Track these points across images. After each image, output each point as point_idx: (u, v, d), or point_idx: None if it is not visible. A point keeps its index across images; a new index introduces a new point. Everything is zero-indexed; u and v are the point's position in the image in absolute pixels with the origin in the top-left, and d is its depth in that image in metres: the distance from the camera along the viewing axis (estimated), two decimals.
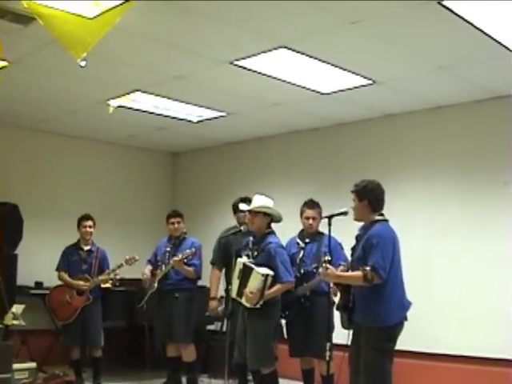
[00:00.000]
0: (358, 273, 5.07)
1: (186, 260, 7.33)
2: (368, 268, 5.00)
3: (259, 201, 6.42)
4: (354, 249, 5.43)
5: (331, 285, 5.78)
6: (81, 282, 7.90)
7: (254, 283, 6.11)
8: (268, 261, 6.21)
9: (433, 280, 7.64)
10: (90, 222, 8.10)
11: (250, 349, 6.20)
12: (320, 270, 5.32)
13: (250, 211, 6.43)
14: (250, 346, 6.21)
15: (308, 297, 6.64)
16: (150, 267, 7.78)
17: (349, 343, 5.38)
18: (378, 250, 5.08)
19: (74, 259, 8.09)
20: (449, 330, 7.43)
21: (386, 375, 5.14)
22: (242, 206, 6.69)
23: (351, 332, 5.39)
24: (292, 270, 6.40)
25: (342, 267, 5.38)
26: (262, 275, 6.07)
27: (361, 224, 5.44)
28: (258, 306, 6.12)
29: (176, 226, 7.73)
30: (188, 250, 7.34)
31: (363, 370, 5.14)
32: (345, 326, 5.40)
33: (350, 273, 5.25)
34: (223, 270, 7.36)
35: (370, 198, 5.29)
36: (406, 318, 5.22)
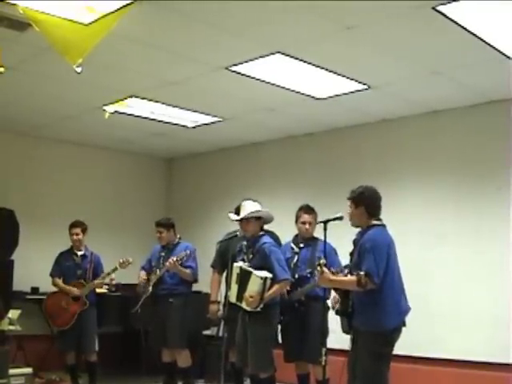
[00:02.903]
0: (352, 278, 5.07)
1: (181, 262, 7.33)
2: (362, 273, 4.99)
3: (248, 207, 6.47)
4: (351, 254, 5.43)
5: (332, 293, 5.75)
6: (74, 289, 7.87)
7: (253, 287, 6.13)
8: (263, 261, 6.24)
9: (429, 285, 7.63)
10: (77, 230, 8.03)
11: (250, 353, 6.22)
12: (315, 273, 5.30)
13: (241, 220, 6.48)
14: (249, 350, 6.23)
15: (302, 302, 6.63)
16: (144, 272, 7.79)
17: (348, 348, 5.38)
18: (372, 255, 5.05)
19: (67, 264, 8.05)
20: (446, 334, 7.42)
21: (383, 380, 5.12)
22: (232, 217, 6.73)
23: (351, 337, 5.39)
24: (288, 269, 6.41)
25: (332, 270, 5.37)
26: (261, 278, 6.08)
27: (358, 229, 5.44)
28: (259, 309, 6.14)
29: (158, 235, 7.74)
30: (183, 252, 7.34)
31: (360, 374, 5.12)
32: (345, 330, 5.40)
33: (343, 277, 5.24)
34: (224, 274, 7.35)
35: (366, 204, 5.27)
36: (404, 324, 5.21)
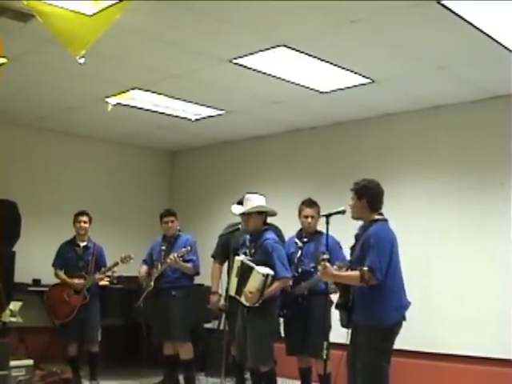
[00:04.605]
0: (356, 273, 5.05)
1: (182, 257, 7.32)
2: (365, 268, 4.98)
3: (251, 202, 6.46)
4: (353, 248, 5.41)
5: (330, 284, 5.73)
6: (75, 281, 7.89)
7: (253, 282, 6.12)
8: (265, 257, 6.23)
9: (431, 280, 7.64)
10: (84, 218, 8.08)
11: (250, 347, 6.22)
12: (319, 268, 5.28)
13: (243, 214, 6.48)
14: (249, 344, 6.22)
15: (306, 296, 6.63)
16: (145, 267, 7.79)
17: (347, 342, 5.37)
18: (376, 251, 5.04)
19: (69, 256, 8.07)
20: (447, 329, 7.43)
21: (383, 375, 5.11)
22: (234, 210, 6.71)
23: (350, 331, 5.38)
24: (289, 266, 6.41)
25: (335, 266, 5.36)
26: (263, 275, 6.07)
27: (360, 223, 5.43)
28: (257, 304, 6.13)
29: (170, 225, 7.73)
30: (184, 249, 7.32)
31: (360, 369, 5.12)
32: (344, 324, 5.39)
33: (347, 272, 5.23)
34: (225, 266, 7.33)
35: (368, 197, 5.26)
36: (404, 318, 5.20)
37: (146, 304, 7.67)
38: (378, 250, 5.06)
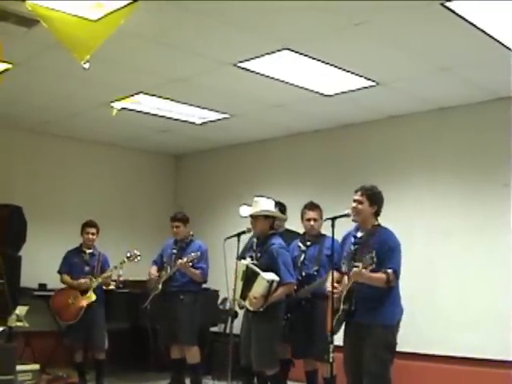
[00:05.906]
0: (382, 275, 5.14)
1: (192, 263, 7.33)
2: (390, 271, 5.13)
3: (259, 205, 6.48)
4: (355, 251, 5.42)
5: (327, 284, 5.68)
6: (81, 280, 7.91)
7: (258, 288, 6.13)
8: (270, 261, 6.25)
9: (435, 282, 7.62)
10: (93, 230, 8.13)
11: (255, 350, 6.23)
12: (354, 269, 5.23)
13: (251, 216, 6.48)
14: (254, 347, 6.23)
15: (309, 299, 6.65)
16: (155, 268, 7.79)
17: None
18: (396, 255, 5.26)
19: (76, 261, 8.10)
20: (451, 331, 7.41)
21: (390, 371, 5.28)
22: (242, 212, 6.72)
23: (345, 333, 5.48)
24: (294, 272, 6.42)
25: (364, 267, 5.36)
26: (268, 281, 6.08)
27: (354, 225, 5.53)
28: (262, 309, 6.14)
29: (175, 230, 7.75)
30: (193, 254, 7.34)
31: (373, 368, 5.20)
32: (335, 331, 5.42)
33: (373, 274, 5.19)
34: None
35: (379, 204, 5.44)
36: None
37: (153, 307, 7.69)
38: (398, 254, 5.29)
